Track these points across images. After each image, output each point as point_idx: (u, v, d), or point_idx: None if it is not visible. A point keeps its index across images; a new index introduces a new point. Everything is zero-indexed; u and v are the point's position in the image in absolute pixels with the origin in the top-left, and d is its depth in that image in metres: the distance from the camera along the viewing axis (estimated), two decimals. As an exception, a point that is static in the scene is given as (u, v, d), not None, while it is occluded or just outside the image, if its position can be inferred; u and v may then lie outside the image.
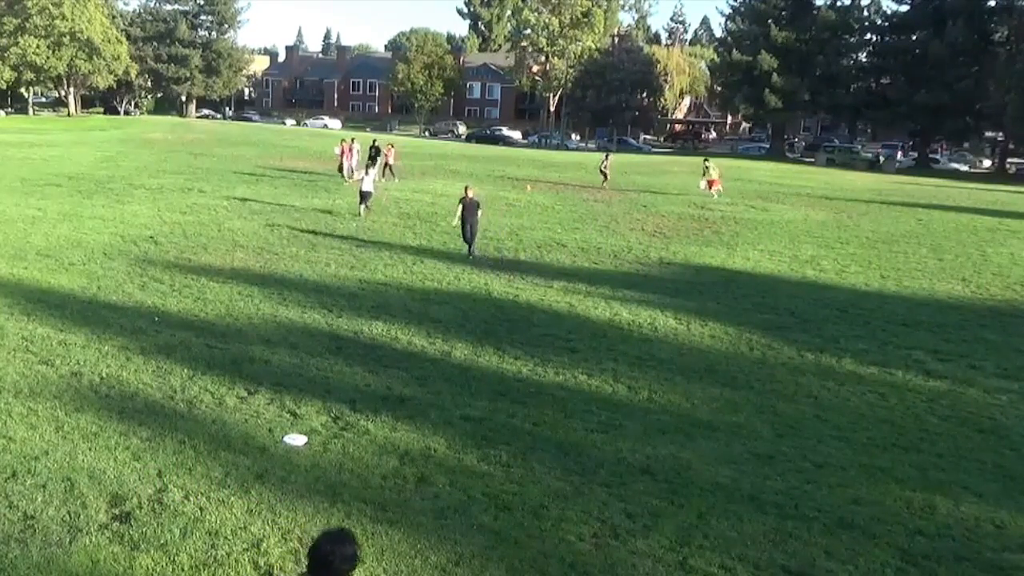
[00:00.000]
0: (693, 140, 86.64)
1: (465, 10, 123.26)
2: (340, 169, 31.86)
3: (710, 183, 31.40)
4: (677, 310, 14.37)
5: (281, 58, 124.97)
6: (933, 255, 21.25)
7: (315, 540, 3.69)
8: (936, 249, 22.18)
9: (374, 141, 34.56)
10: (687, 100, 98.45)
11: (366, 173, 25.84)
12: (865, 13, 71.36)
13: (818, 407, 10.14)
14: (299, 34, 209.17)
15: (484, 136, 75.61)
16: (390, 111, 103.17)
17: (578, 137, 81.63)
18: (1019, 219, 29.46)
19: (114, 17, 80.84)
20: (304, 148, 47.50)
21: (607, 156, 35.85)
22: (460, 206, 18.89)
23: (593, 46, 79.35)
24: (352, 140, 33.12)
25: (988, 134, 69.12)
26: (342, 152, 31.70)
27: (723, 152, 71.94)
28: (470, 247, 18.66)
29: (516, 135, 77.64)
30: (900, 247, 22.26)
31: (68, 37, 70.46)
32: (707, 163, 33.21)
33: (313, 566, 3.62)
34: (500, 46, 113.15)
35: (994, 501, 7.83)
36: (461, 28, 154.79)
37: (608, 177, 34.00)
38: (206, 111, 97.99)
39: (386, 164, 31.73)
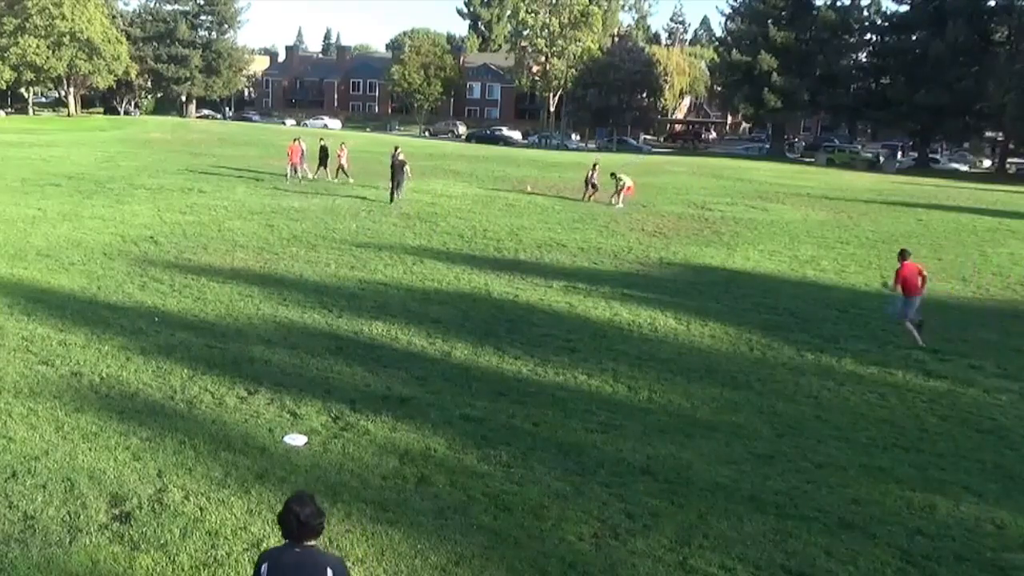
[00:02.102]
0: (693, 140, 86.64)
1: (465, 10, 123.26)
2: (295, 169, 30.50)
3: (627, 188, 27.91)
4: (677, 310, 14.37)
5: (281, 58, 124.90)
6: (933, 255, 21.23)
7: (288, 508, 4.08)
8: (936, 249, 22.18)
9: (321, 140, 33.04)
10: (687, 100, 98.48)
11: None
12: (865, 13, 71.44)
13: (818, 407, 10.15)
14: (299, 34, 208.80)
15: (484, 136, 75.56)
16: (390, 111, 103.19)
17: (578, 137, 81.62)
18: (1019, 219, 29.45)
19: (114, 17, 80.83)
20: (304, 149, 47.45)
21: (595, 165, 30.09)
22: (390, 165, 24.94)
23: (592, 46, 79.35)
24: (298, 139, 31.69)
25: (988, 134, 69.10)
26: (291, 152, 30.43)
27: (736, 153, 71.95)
28: (392, 197, 24.43)
29: (516, 135, 77.59)
30: (900, 247, 22.23)
31: (68, 37, 70.45)
32: (616, 176, 28.48)
33: (292, 528, 4.06)
34: (500, 46, 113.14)
35: (994, 501, 7.84)
36: (461, 28, 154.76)
37: (597, 188, 28.92)
38: (206, 111, 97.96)
39: (339, 165, 30.88)
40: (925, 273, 13.36)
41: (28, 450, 7.97)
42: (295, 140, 31.47)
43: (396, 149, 24.47)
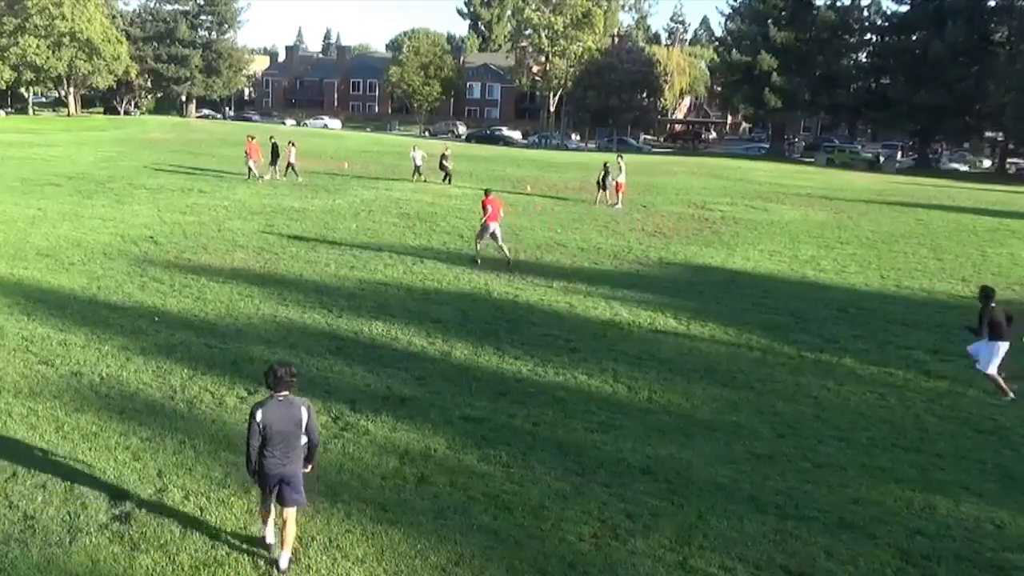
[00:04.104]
0: (693, 140, 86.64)
1: (465, 10, 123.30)
2: (254, 167, 30.37)
3: (619, 185, 27.83)
4: (677, 310, 14.37)
5: (281, 58, 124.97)
6: (933, 255, 21.24)
7: (268, 367, 6.14)
8: (936, 249, 22.17)
9: (271, 138, 32.79)
10: (687, 100, 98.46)
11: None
12: (865, 13, 71.38)
13: (818, 407, 10.15)
14: (299, 34, 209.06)
15: (484, 136, 75.56)
16: (390, 111, 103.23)
17: (578, 137, 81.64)
18: (1019, 219, 29.46)
19: (114, 17, 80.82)
20: (304, 148, 47.49)
21: (606, 165, 28.57)
22: (440, 159, 32.36)
23: (593, 46, 79.35)
24: (253, 138, 31.22)
25: (988, 134, 69.05)
26: (251, 150, 30.25)
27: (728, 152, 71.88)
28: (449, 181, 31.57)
29: (516, 135, 77.58)
30: (900, 247, 22.25)
31: (68, 37, 70.42)
32: (621, 158, 29.25)
33: (269, 382, 6.05)
34: (500, 46, 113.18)
35: (994, 501, 7.84)
36: (461, 28, 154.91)
37: (607, 190, 28.05)
38: (206, 111, 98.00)
39: (288, 163, 30.79)
40: (492, 210, 17.51)
41: (28, 450, 7.97)
42: (252, 138, 31.19)
43: (446, 148, 33.66)
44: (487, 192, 18.13)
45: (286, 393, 6.04)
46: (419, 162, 32.53)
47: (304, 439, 6.12)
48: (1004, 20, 60.28)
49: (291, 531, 6.26)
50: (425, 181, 31.88)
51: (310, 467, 6.43)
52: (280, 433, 5.98)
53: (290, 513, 6.22)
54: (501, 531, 6.90)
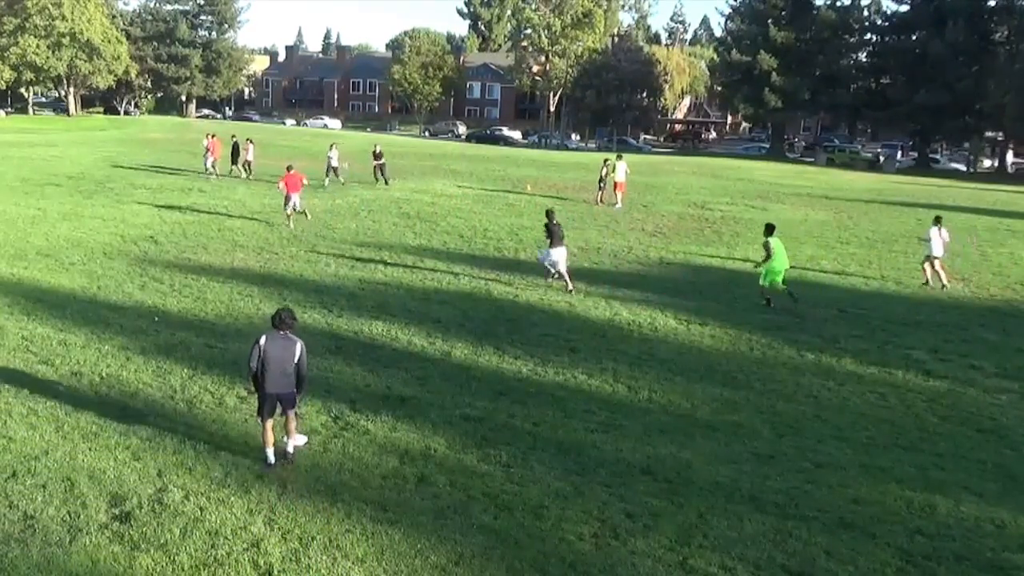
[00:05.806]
0: (693, 140, 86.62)
1: (465, 10, 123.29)
2: (213, 165, 30.59)
3: (618, 185, 27.43)
4: (677, 310, 14.36)
5: (281, 58, 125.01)
6: (933, 255, 21.19)
7: (276, 311, 7.82)
8: (936, 249, 22.12)
9: (233, 136, 33.27)
10: (687, 100, 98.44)
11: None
12: (865, 13, 71.39)
13: (818, 407, 10.14)
14: (299, 34, 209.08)
15: (484, 136, 75.59)
16: (390, 111, 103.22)
17: (578, 137, 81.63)
18: (1019, 219, 29.44)
19: (114, 17, 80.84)
20: (303, 148, 47.52)
21: (606, 161, 28.47)
22: (372, 159, 31.17)
23: (593, 46, 79.34)
24: (213, 135, 31.56)
25: (988, 134, 69.03)
26: (213, 147, 30.54)
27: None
28: (386, 182, 30.24)
29: (516, 135, 77.60)
30: (900, 247, 22.24)
31: (68, 37, 70.42)
32: (620, 157, 28.92)
33: (274, 322, 7.70)
34: (500, 46, 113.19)
35: (994, 501, 7.84)
36: (461, 28, 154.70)
37: (604, 188, 27.97)
38: (206, 111, 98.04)
39: (246, 160, 30.97)
40: (286, 184, 20.79)
41: (28, 450, 7.98)
42: (213, 136, 31.45)
43: (376, 146, 32.33)
44: (289, 168, 21.22)
45: (285, 332, 7.66)
46: (334, 163, 30.46)
47: (297, 371, 7.70)
48: (1004, 20, 60.31)
49: (293, 425, 7.95)
50: (386, 183, 30.33)
51: (301, 395, 7.97)
52: (275, 361, 7.57)
53: (290, 414, 7.88)
54: (501, 531, 6.90)
